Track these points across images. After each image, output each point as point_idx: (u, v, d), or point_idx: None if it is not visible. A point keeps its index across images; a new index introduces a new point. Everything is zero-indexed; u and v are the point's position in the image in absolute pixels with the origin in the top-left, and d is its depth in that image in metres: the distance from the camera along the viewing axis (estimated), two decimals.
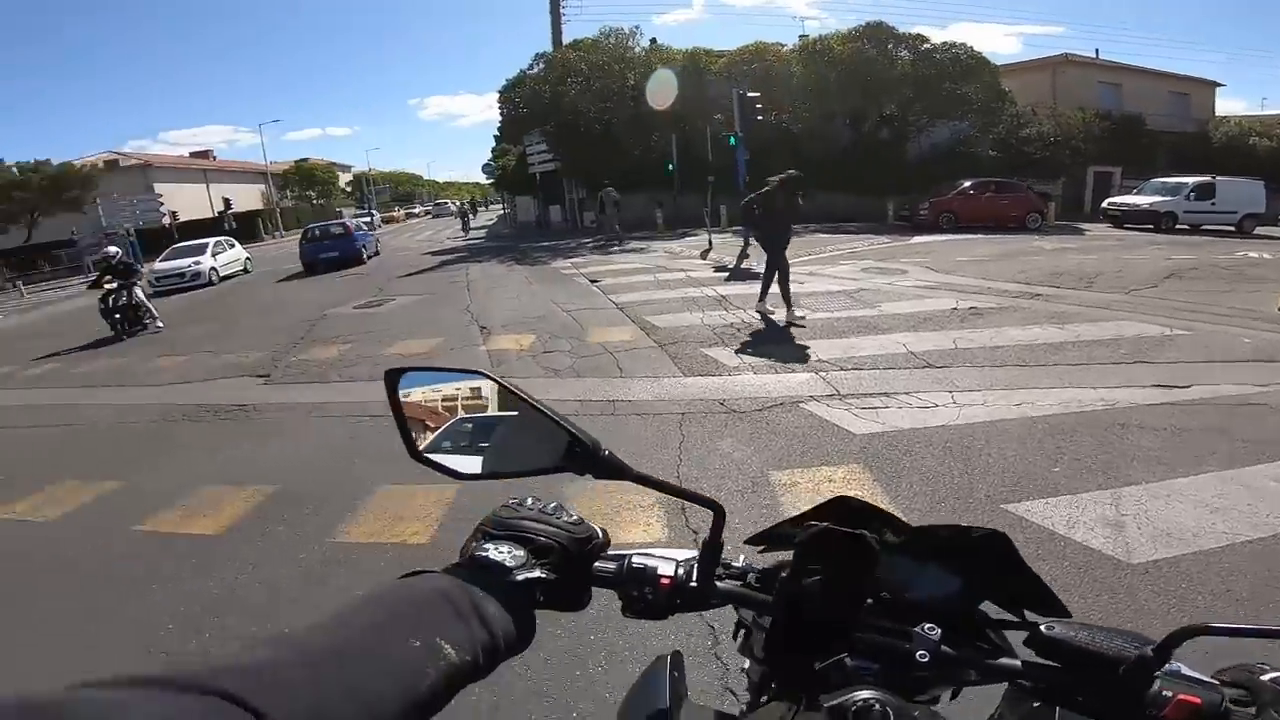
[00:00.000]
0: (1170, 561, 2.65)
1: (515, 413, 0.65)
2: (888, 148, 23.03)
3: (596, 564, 0.64)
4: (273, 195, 46.04)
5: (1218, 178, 19.06)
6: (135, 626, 2.75)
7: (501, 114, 25.86)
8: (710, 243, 13.65)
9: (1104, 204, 20.02)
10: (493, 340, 7.34)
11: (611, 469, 0.60)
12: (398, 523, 3.39)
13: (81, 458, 4.98)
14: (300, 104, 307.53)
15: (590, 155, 21.80)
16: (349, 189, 59.59)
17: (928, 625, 0.59)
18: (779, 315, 7.01)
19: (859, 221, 19.46)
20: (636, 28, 25.76)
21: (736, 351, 6.02)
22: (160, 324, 10.26)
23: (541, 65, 23.37)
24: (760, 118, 14.60)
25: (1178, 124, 27.10)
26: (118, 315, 9.90)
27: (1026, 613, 0.65)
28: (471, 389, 0.70)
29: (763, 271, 7.39)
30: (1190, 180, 18.92)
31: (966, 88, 22.34)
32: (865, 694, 0.54)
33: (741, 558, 0.69)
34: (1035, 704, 0.63)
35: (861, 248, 13.42)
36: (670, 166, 20.89)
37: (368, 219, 31.96)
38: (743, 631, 0.69)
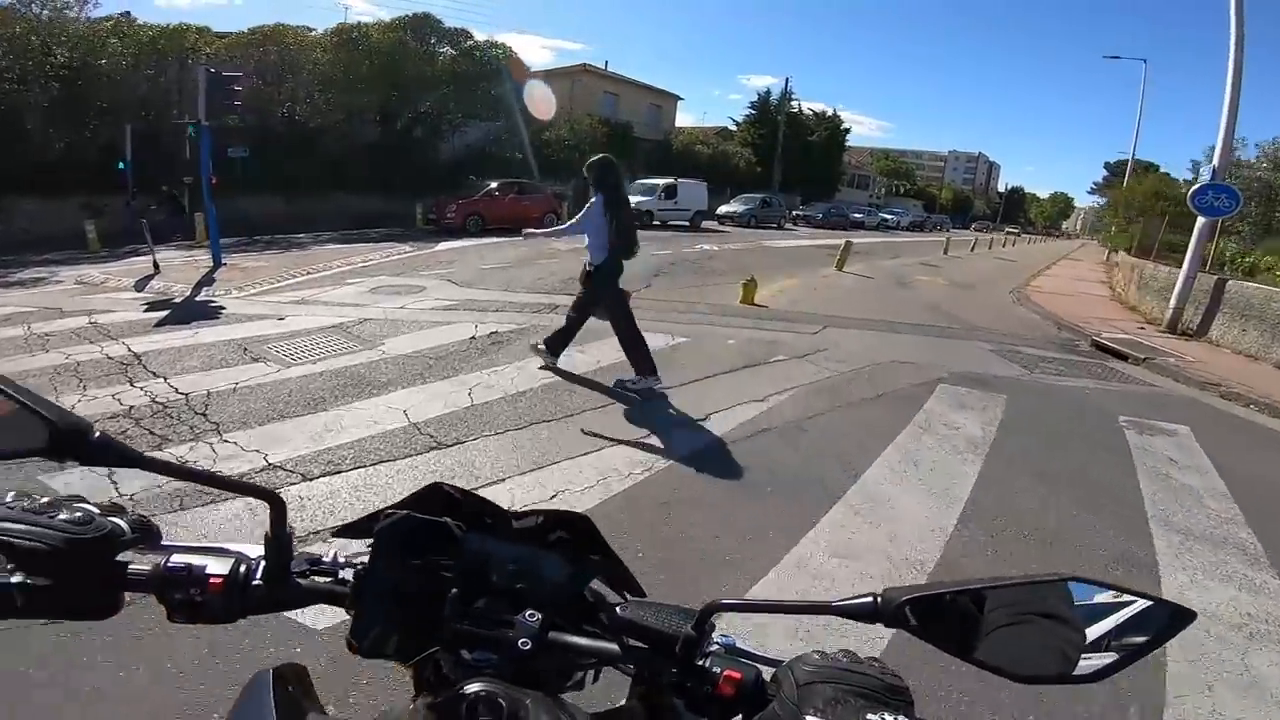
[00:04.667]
0: None
1: None
2: (421, 146, 21.60)
3: (125, 563, 0.57)
4: None
5: (679, 180, 23.78)
6: None
7: None
8: (157, 265, 9.68)
9: None
10: None
11: (112, 455, 0.52)
12: None
13: None
14: None
15: None
16: None
17: (529, 612, 0.59)
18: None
19: (386, 226, 17.40)
20: None
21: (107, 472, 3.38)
22: None
23: None
24: (239, 103, 11.09)
25: (652, 132, 33.24)
26: None
27: (627, 594, 0.66)
28: None
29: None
30: (661, 181, 23.09)
31: (501, 89, 22.65)
32: (476, 686, 0.52)
33: (333, 552, 0.64)
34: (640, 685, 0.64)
35: (379, 260, 11.45)
36: (122, 164, 15.21)
37: None
38: (349, 634, 0.64)
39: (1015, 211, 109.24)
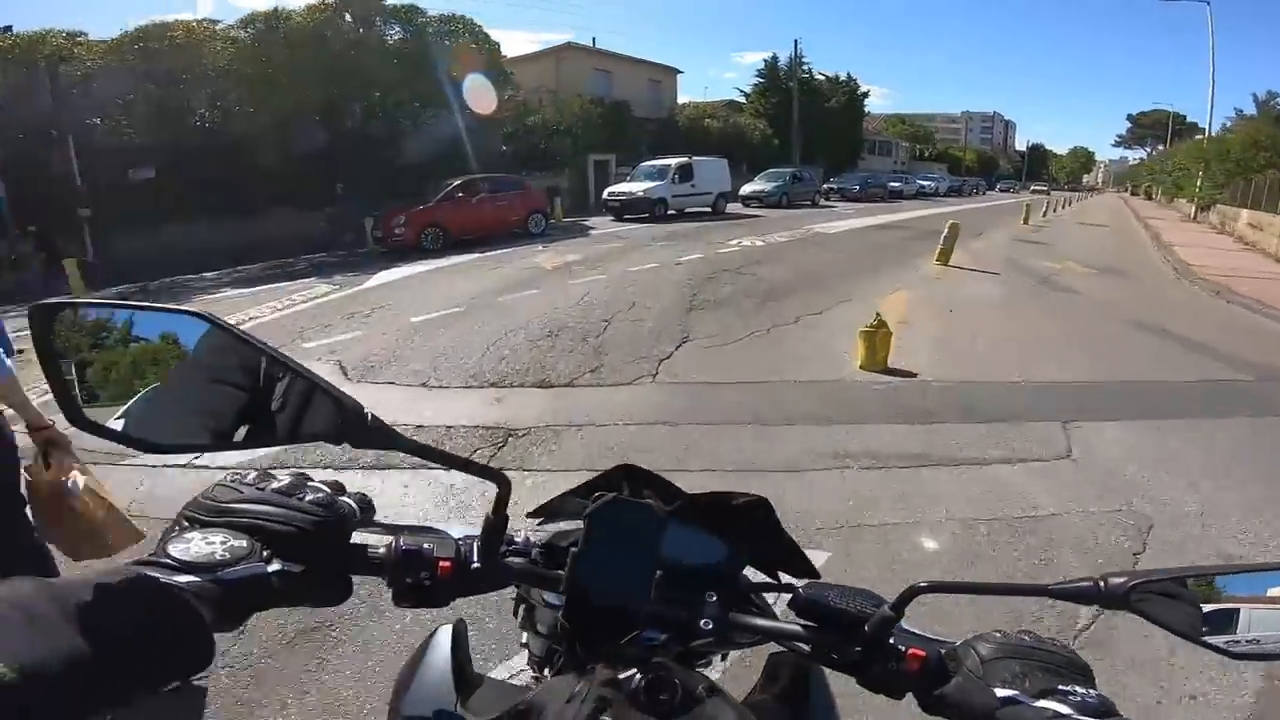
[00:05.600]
0: None
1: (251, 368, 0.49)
2: (380, 147, 17.47)
3: (360, 545, 0.57)
4: None
5: (694, 157, 19.59)
6: None
7: None
8: None
9: (605, 194, 18.72)
10: None
11: (379, 438, 0.52)
12: None
13: None
14: None
15: None
16: None
17: (708, 593, 0.60)
18: None
19: (331, 250, 13.63)
20: None
21: None
22: None
23: None
24: None
25: (653, 110, 28.89)
26: None
27: (781, 575, 0.69)
28: (175, 338, 0.50)
29: None
30: (673, 162, 18.93)
31: (467, 70, 18.05)
32: (656, 664, 0.54)
33: (523, 532, 0.64)
34: (796, 663, 0.68)
35: (267, 316, 7.43)
36: None
37: None
38: (523, 607, 0.66)
39: (1039, 169, 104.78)
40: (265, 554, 0.49)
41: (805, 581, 0.62)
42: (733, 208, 21.21)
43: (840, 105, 40.12)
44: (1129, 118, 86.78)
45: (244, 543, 0.48)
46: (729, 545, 0.65)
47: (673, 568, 0.61)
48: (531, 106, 22.41)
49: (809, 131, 35.79)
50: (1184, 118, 73.52)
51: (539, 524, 0.69)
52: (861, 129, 45.26)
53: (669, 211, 18.03)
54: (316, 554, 0.52)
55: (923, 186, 38.45)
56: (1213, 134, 30.60)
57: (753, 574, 0.69)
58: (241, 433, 0.49)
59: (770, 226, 15.83)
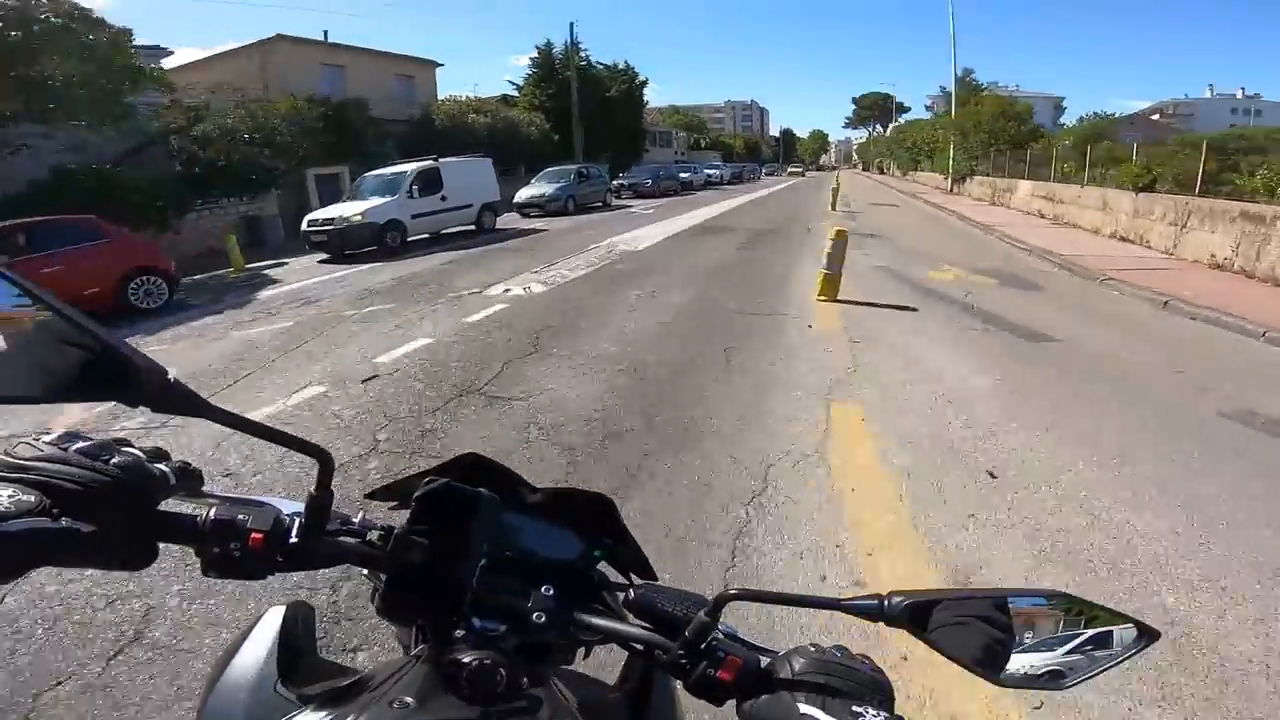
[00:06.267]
0: None
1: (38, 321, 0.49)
2: None
3: (168, 512, 0.55)
4: None
5: (442, 159, 14.13)
6: None
7: None
8: None
9: (304, 224, 12.54)
10: None
11: (182, 403, 0.50)
12: None
13: None
14: None
15: None
16: None
17: (545, 587, 0.59)
18: None
19: None
20: None
21: None
22: None
23: None
24: None
25: (404, 109, 23.26)
26: None
27: (633, 576, 0.69)
28: None
29: None
30: (409, 167, 13.43)
31: (61, 62, 10.92)
32: (480, 654, 0.53)
33: (361, 513, 0.63)
34: (644, 663, 0.65)
35: None
36: None
37: None
38: (379, 594, 0.63)
39: (791, 152, 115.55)
40: (54, 511, 0.48)
41: (640, 582, 0.62)
42: (508, 219, 16.56)
43: (620, 95, 37.15)
44: (854, 100, 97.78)
45: (31, 498, 0.47)
46: (581, 542, 0.65)
47: (508, 557, 0.61)
48: (219, 112, 15.58)
49: (591, 124, 32.40)
50: (894, 97, 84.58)
51: (391, 508, 0.68)
52: (643, 120, 43.02)
53: (409, 239, 12.76)
54: (113, 516, 0.50)
55: (709, 175, 37.31)
56: (924, 111, 33.08)
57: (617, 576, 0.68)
58: (27, 387, 0.49)
59: (557, 246, 11.47)
